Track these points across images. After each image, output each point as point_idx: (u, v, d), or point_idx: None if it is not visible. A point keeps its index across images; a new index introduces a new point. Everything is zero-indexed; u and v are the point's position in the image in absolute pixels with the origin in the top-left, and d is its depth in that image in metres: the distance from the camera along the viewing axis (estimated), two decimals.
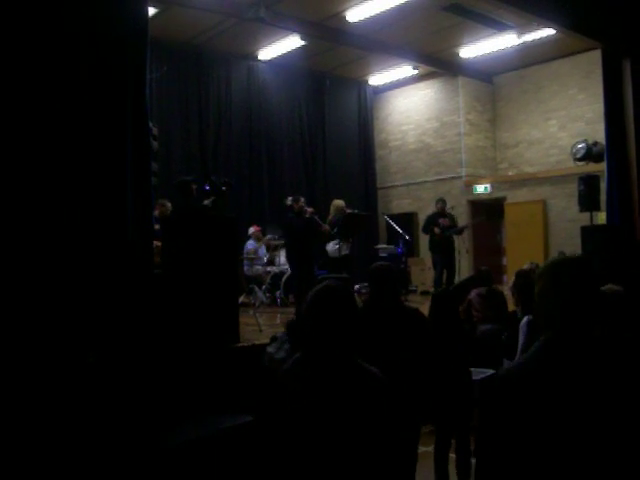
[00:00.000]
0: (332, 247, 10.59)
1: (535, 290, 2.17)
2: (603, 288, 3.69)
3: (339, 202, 11.10)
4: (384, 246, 13.51)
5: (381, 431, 2.56)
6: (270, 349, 5.03)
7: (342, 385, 2.53)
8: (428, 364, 4.65)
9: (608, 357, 2.05)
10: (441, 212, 12.26)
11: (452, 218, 12.38)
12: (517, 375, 2.06)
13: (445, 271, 11.99)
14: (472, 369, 7.02)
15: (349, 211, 10.74)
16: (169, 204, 9.29)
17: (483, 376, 6.24)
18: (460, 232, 12.35)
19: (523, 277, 6.72)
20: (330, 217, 10.79)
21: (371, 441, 2.51)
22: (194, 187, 8.37)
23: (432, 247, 12.24)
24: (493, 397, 2.07)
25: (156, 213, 8.86)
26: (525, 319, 6.02)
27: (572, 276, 2.08)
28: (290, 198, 10.41)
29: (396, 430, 2.68)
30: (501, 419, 2.02)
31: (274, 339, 5.17)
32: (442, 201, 12.41)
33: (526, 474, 1.95)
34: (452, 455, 5.22)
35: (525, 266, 8.67)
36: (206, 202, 7.79)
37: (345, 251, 10.49)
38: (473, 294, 8.31)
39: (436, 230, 11.93)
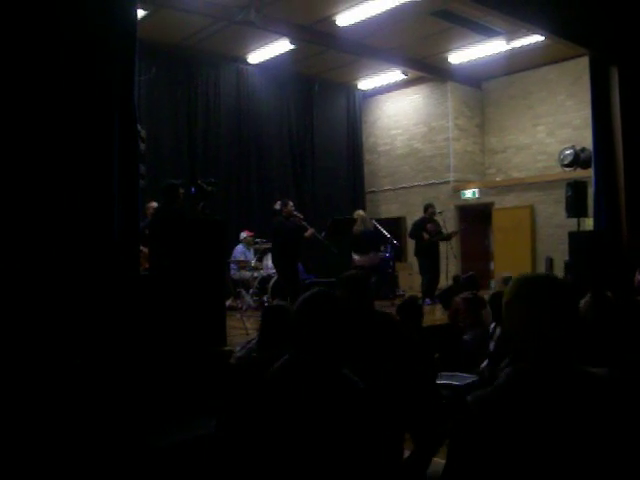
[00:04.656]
0: (364, 259, 11.13)
1: (505, 312, 2.00)
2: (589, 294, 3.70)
3: (362, 212, 11.88)
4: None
5: (362, 440, 2.53)
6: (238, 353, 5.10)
7: (324, 393, 2.51)
8: (406, 368, 4.66)
9: (586, 392, 1.88)
10: (429, 217, 12.26)
11: (437, 224, 12.37)
12: (487, 407, 1.91)
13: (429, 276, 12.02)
14: (456, 374, 7.06)
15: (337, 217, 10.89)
16: (155, 204, 9.26)
17: (466, 382, 6.24)
18: (448, 238, 12.37)
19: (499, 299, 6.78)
20: (357, 229, 11.15)
21: (351, 450, 2.49)
22: (181, 191, 8.36)
23: (418, 252, 12.23)
24: (461, 424, 1.95)
25: (147, 217, 8.83)
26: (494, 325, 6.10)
27: (551, 300, 1.91)
28: (279, 202, 10.43)
29: (378, 440, 2.66)
30: (467, 447, 1.90)
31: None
32: (431, 206, 12.42)
33: None
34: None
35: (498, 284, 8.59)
36: (199, 206, 7.77)
37: (376, 262, 11.27)
38: (459, 299, 8.33)
39: (425, 236, 11.93)
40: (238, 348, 5.23)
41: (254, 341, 4.92)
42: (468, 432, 1.92)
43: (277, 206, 10.34)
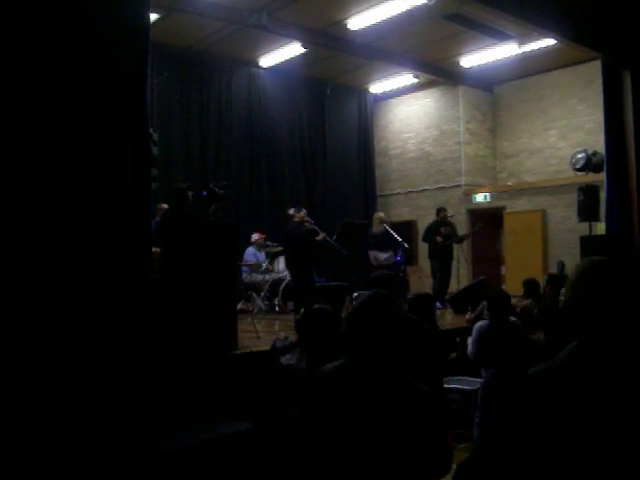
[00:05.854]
0: (382, 257, 11.38)
1: (570, 292, 2.17)
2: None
3: (381, 214, 12.11)
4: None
5: (430, 450, 2.43)
6: (284, 360, 4.92)
7: (389, 400, 2.39)
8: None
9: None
10: (443, 221, 12.25)
11: (453, 226, 12.38)
12: (550, 376, 2.06)
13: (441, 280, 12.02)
14: (463, 378, 7.05)
15: (348, 220, 10.92)
16: (167, 206, 9.29)
17: (476, 387, 6.21)
18: (461, 241, 12.36)
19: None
20: (376, 229, 11.38)
21: (413, 461, 2.38)
22: (190, 194, 8.39)
23: (432, 255, 12.22)
24: (527, 395, 2.07)
25: (158, 218, 8.87)
26: (478, 324, 6.15)
27: (614, 281, 2.11)
28: (293, 209, 10.45)
29: (445, 447, 2.59)
30: (532, 417, 2.03)
31: (282, 349, 5.03)
32: (443, 210, 12.41)
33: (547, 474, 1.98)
34: None
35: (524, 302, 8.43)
36: (211, 209, 7.79)
37: (392, 259, 11.43)
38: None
39: (439, 239, 11.92)
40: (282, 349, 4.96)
41: (298, 349, 4.73)
42: (532, 403, 2.06)
43: (290, 211, 10.38)
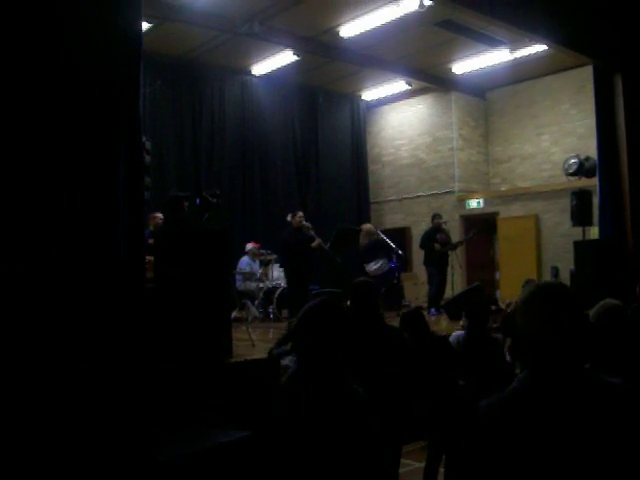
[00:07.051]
0: (373, 266, 11.46)
1: (519, 320, 2.06)
2: (601, 303, 3.67)
3: (369, 226, 12.12)
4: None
5: (363, 449, 2.54)
6: (285, 362, 4.93)
7: (329, 403, 2.52)
8: (412, 380, 4.63)
9: (598, 400, 1.91)
10: (437, 227, 12.26)
11: (447, 233, 12.39)
12: (500, 409, 1.97)
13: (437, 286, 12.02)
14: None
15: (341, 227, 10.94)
16: (159, 214, 9.29)
17: None
18: (456, 247, 12.37)
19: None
20: (363, 242, 11.44)
21: (354, 459, 2.50)
22: (185, 204, 8.39)
23: (429, 262, 12.20)
24: (475, 429, 2.00)
25: (150, 227, 8.86)
26: (454, 334, 6.03)
27: (561, 307, 1.98)
28: (290, 214, 10.44)
29: (378, 448, 2.66)
30: (482, 451, 1.95)
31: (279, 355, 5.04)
32: (438, 216, 12.42)
33: None
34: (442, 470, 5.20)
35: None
36: (204, 218, 7.79)
37: (386, 269, 11.56)
38: None
39: (436, 246, 11.91)
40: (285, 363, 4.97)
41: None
42: (481, 436, 1.96)
43: (288, 218, 10.39)
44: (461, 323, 8.57)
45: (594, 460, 1.82)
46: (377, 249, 11.50)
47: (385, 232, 13.31)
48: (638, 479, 1.84)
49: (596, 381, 1.96)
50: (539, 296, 2.03)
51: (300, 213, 10.28)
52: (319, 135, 16.07)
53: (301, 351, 2.66)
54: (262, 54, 13.29)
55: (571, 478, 1.83)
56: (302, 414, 2.49)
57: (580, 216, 10.78)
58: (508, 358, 6.09)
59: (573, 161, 13.62)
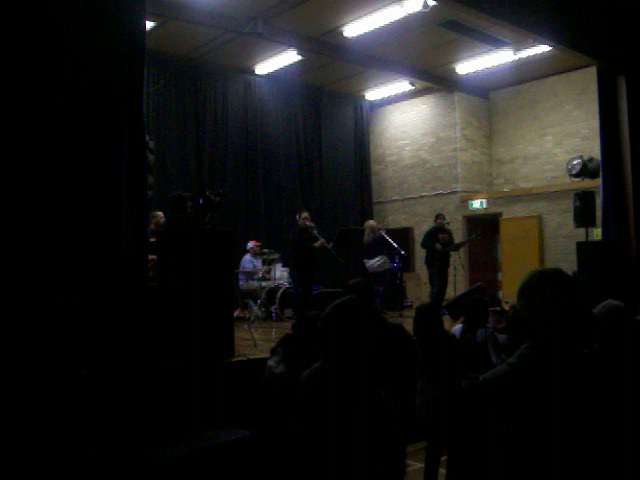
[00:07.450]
0: (374, 263, 11.62)
1: (519, 300, 2.20)
2: (603, 303, 3.67)
3: (372, 222, 12.22)
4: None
5: (388, 456, 2.52)
6: (271, 362, 4.98)
7: (357, 404, 2.46)
8: (414, 379, 4.63)
9: (591, 373, 2.09)
10: (440, 227, 12.24)
11: (450, 233, 12.37)
12: (500, 380, 2.11)
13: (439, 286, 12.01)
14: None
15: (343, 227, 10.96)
16: (161, 213, 9.30)
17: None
18: (458, 248, 12.35)
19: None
20: (366, 238, 11.51)
21: (379, 466, 2.47)
22: (189, 203, 8.39)
23: (430, 261, 12.18)
24: (475, 402, 2.14)
25: (152, 226, 8.87)
26: (458, 327, 6.07)
27: (561, 289, 2.13)
28: (298, 214, 10.43)
29: (400, 455, 2.66)
30: (480, 424, 2.08)
31: (274, 352, 5.11)
32: (441, 216, 12.40)
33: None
34: (443, 470, 5.19)
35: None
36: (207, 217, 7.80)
37: (387, 266, 11.73)
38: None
39: (437, 246, 11.88)
40: (272, 363, 5.02)
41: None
42: (481, 407, 2.12)
43: (297, 217, 10.40)
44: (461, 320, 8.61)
45: (584, 422, 2.01)
46: (380, 246, 11.52)
47: (388, 232, 13.29)
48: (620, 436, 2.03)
49: (581, 355, 2.13)
50: (539, 278, 2.19)
51: (305, 213, 10.25)
52: (322, 135, 16.06)
53: (332, 351, 2.55)
54: (266, 53, 13.29)
55: (563, 440, 1.98)
56: (330, 417, 2.44)
57: (583, 217, 10.76)
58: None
59: (576, 162, 13.58)
